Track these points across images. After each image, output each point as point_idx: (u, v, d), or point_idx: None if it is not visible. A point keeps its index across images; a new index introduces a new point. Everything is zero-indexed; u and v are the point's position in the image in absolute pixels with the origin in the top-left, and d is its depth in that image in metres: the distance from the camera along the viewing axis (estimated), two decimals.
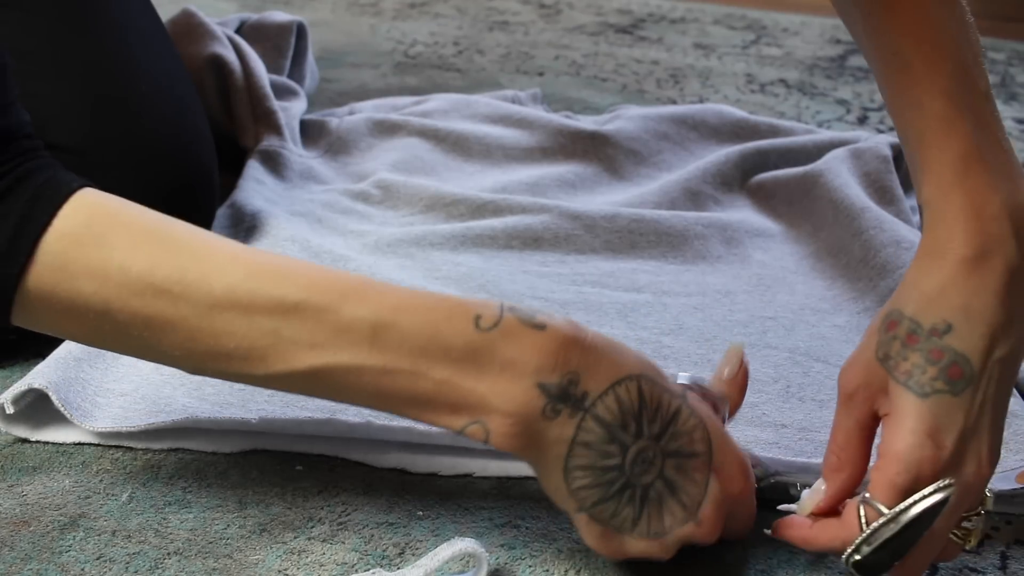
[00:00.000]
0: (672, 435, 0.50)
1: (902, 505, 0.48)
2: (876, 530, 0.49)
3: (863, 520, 0.49)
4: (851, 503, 0.51)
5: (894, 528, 0.48)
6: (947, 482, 0.48)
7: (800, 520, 0.53)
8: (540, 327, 0.49)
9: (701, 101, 1.32)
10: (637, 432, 0.49)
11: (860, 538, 0.49)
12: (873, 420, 0.52)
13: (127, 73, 0.78)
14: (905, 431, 0.49)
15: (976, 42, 0.53)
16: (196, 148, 0.80)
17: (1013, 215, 0.49)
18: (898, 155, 1.01)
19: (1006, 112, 1.35)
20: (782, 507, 0.55)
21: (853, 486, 0.53)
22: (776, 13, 1.83)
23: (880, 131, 1.24)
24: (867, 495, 0.49)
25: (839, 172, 0.95)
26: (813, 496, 0.53)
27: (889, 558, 0.49)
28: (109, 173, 0.75)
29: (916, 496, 0.48)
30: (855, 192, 0.92)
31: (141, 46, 0.81)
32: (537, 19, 1.72)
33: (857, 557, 0.49)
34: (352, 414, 0.62)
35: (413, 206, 0.94)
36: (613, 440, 0.49)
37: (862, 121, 1.29)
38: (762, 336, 0.76)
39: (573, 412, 0.48)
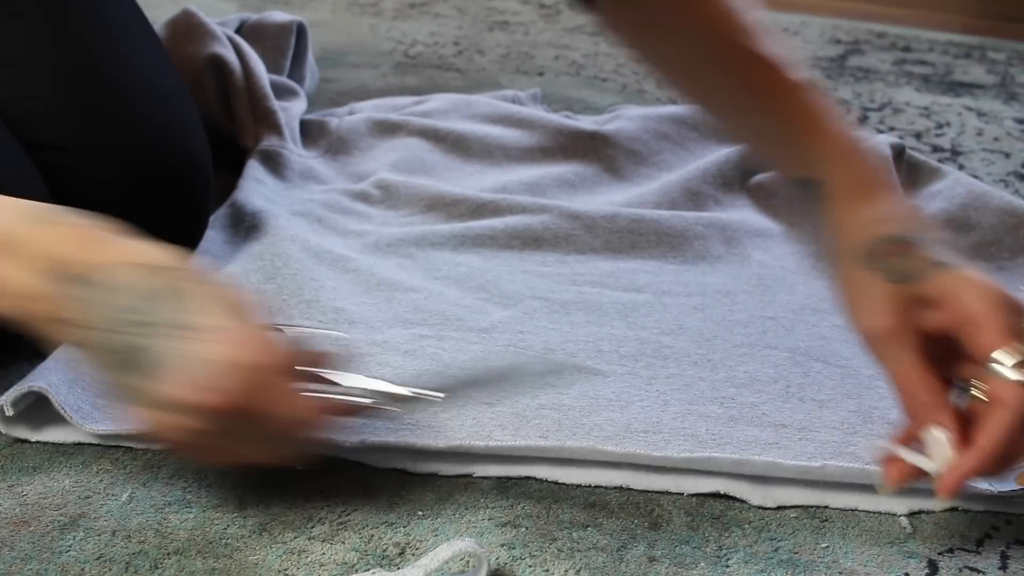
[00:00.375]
0: (177, 309, 0.51)
1: None
2: None
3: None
4: (988, 386, 0.52)
5: None
6: None
7: (958, 461, 0.52)
8: (53, 222, 0.53)
9: None
10: (142, 310, 0.51)
11: None
12: (923, 342, 0.54)
13: (113, 71, 0.78)
14: (976, 288, 0.52)
15: None
16: (186, 141, 0.80)
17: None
18: (898, 155, 1.01)
19: (1006, 112, 1.35)
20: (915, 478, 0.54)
21: (954, 410, 0.53)
22: (776, 13, 1.83)
23: (880, 131, 1.24)
24: (995, 365, 0.51)
25: None
26: (942, 449, 0.52)
27: None
28: (100, 168, 0.75)
29: None
30: None
31: (126, 43, 0.81)
32: (537, 19, 1.72)
33: None
34: (351, 435, 0.62)
35: (413, 206, 0.94)
36: (119, 318, 0.51)
37: (862, 121, 1.29)
38: (762, 336, 0.76)
39: (80, 295, 0.51)
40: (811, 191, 0.60)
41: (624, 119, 1.10)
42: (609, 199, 0.98)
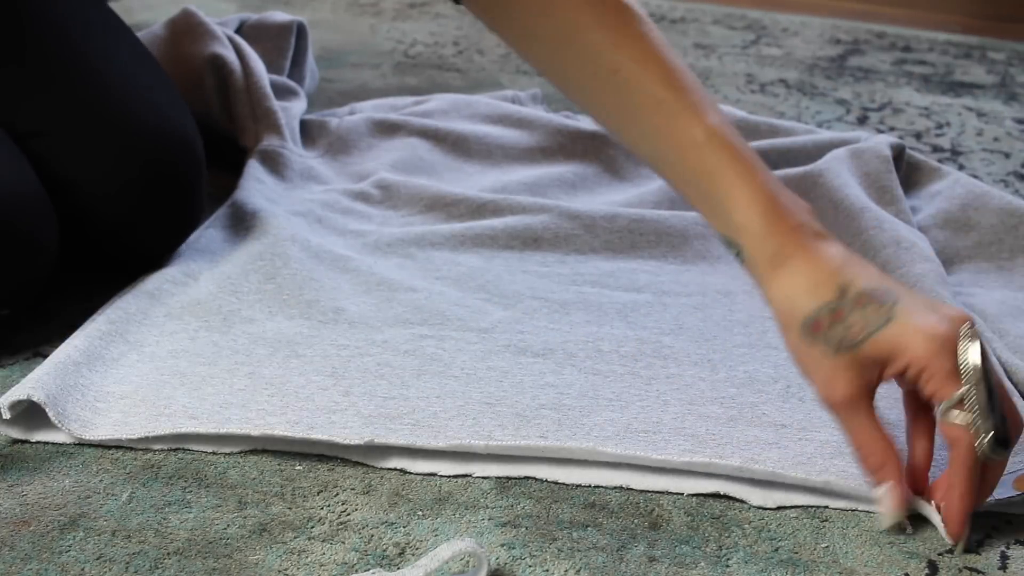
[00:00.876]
0: None
1: (966, 362, 0.54)
2: (975, 400, 0.54)
3: (958, 418, 0.54)
4: (943, 423, 0.55)
5: (981, 384, 0.54)
6: (965, 327, 0.55)
7: (948, 507, 0.56)
8: None
9: None
10: None
11: (974, 420, 0.54)
12: (871, 398, 0.57)
13: (90, 59, 0.79)
14: (917, 336, 0.55)
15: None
16: (174, 120, 0.80)
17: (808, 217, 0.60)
18: (898, 155, 1.00)
19: (1006, 112, 1.35)
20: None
21: (900, 462, 0.58)
22: (776, 13, 1.83)
23: (880, 131, 1.24)
24: (941, 410, 0.55)
25: (839, 172, 0.95)
26: (888, 501, 0.57)
27: (1000, 419, 0.54)
28: (80, 150, 0.75)
29: (961, 349, 0.55)
30: (855, 192, 0.91)
31: (102, 36, 0.82)
32: None
33: (986, 437, 0.54)
34: (352, 434, 0.62)
35: (413, 206, 0.94)
36: None
37: (862, 121, 1.29)
38: (762, 336, 0.76)
39: None
40: (733, 250, 0.61)
41: None
42: (609, 199, 0.98)
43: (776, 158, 1.03)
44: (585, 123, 1.11)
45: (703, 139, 0.60)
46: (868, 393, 0.57)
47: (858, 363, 0.56)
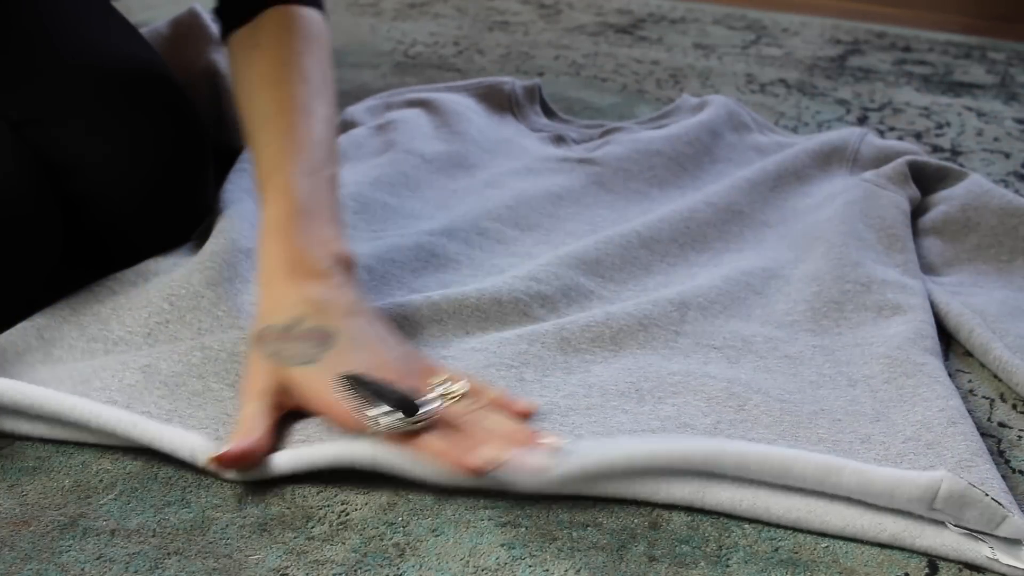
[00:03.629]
0: None
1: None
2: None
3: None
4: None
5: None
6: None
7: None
8: None
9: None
10: None
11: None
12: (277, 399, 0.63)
13: (90, 45, 0.79)
14: (307, 385, 0.63)
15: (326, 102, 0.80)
16: (178, 116, 0.80)
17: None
18: (915, 165, 0.98)
19: (1006, 112, 1.35)
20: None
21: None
22: (776, 13, 1.83)
23: (880, 131, 1.24)
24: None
25: (848, 219, 0.89)
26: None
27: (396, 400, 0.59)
28: (83, 139, 0.75)
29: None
30: (856, 244, 0.86)
31: (103, 25, 0.82)
32: (537, 19, 1.72)
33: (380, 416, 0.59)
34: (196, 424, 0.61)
35: (386, 222, 0.91)
36: None
37: (862, 121, 1.29)
38: (703, 366, 0.71)
39: None
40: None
41: (613, 144, 1.07)
42: (595, 212, 0.94)
43: (776, 177, 1.01)
44: (575, 151, 1.07)
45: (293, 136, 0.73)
46: (275, 395, 0.62)
47: (277, 374, 0.62)
